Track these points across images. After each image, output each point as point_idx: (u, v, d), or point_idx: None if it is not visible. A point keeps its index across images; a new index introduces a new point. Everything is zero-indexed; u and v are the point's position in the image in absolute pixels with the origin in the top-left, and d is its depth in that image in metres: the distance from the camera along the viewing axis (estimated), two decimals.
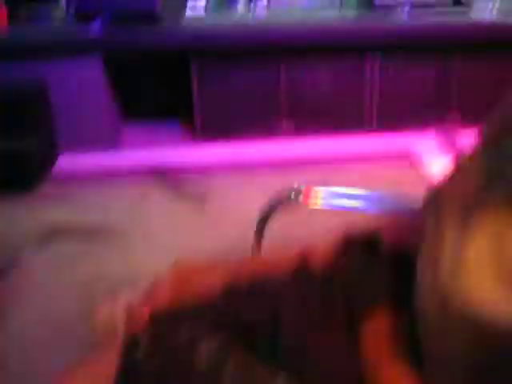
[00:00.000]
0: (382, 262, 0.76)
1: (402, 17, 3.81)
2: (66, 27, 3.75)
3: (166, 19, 3.62)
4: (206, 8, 6.30)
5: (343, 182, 1.22)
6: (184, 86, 3.63)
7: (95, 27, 3.49)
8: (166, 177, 3.12)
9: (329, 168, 3.18)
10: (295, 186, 1.17)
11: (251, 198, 2.69)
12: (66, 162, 3.35)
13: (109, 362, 0.73)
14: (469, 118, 3.73)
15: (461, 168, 0.67)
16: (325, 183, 1.18)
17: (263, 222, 1.22)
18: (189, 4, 5.32)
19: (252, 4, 5.74)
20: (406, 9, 3.90)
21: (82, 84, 3.39)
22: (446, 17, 3.76)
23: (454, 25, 3.66)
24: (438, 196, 0.67)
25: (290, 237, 1.17)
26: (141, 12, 3.56)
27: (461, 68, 3.71)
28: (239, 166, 3.30)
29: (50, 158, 3.33)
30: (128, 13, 3.52)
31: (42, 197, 2.93)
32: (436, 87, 3.74)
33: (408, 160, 3.31)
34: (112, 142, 3.55)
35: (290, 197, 1.18)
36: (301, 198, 1.17)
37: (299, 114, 3.66)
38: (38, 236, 2.47)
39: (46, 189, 3.02)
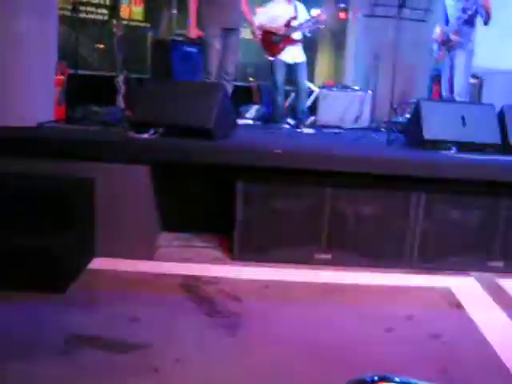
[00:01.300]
0: None
1: (450, 155, 3.83)
2: (120, 131, 3.84)
3: (217, 135, 3.68)
4: (254, 123, 6.54)
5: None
6: (227, 203, 3.62)
7: (148, 136, 3.56)
8: (198, 294, 3.02)
9: (365, 298, 3.11)
10: (367, 378, 1.05)
11: (288, 325, 2.64)
12: (99, 265, 3.30)
13: None
14: None
15: None
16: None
17: None
18: (240, 121, 5.53)
19: (298, 120, 5.96)
20: (454, 148, 3.95)
21: (128, 189, 3.40)
22: (495, 158, 3.77)
23: (503, 167, 3.63)
24: None
25: None
26: (194, 127, 3.63)
27: (507, 211, 3.64)
28: (275, 289, 3.20)
29: (83, 260, 3.28)
30: (182, 126, 3.59)
31: (69, 300, 2.84)
32: (481, 230, 3.66)
33: (446, 301, 3.18)
34: (147, 251, 3.50)
35: None
36: None
37: (339, 245, 3.59)
38: (60, 342, 2.35)
39: (75, 291, 2.94)
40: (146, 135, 3.62)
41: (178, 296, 2.97)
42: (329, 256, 3.59)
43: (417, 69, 8.03)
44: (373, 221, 3.60)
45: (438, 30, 5.84)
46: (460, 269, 3.61)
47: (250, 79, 7.77)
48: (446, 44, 5.71)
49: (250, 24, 5.55)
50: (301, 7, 6.02)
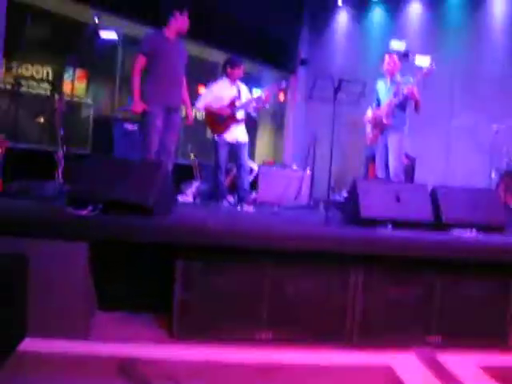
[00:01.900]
0: None
1: (386, 233, 3.92)
2: (58, 207, 3.77)
3: (156, 212, 3.66)
4: (194, 200, 6.56)
5: None
6: (167, 282, 3.56)
7: (87, 212, 3.51)
8: (135, 377, 2.90)
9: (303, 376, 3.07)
10: None
11: None
12: (30, 346, 3.14)
13: None
14: (451, 338, 3.72)
15: None
16: None
17: None
18: (180, 198, 5.54)
19: (238, 198, 6.02)
20: (390, 224, 4.05)
21: (64, 267, 3.30)
22: (429, 235, 3.88)
23: (436, 243, 3.74)
24: None
25: None
26: (134, 204, 3.61)
27: (443, 287, 3.73)
28: (214, 370, 3.12)
29: (15, 339, 3.12)
30: (121, 203, 3.56)
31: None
32: (419, 306, 3.72)
33: (387, 379, 3.18)
34: (83, 331, 3.37)
35: None
36: None
37: (279, 322, 3.57)
38: None
39: (6, 370, 2.78)
40: (84, 211, 3.56)
41: (114, 380, 2.85)
42: (269, 334, 3.55)
43: (353, 149, 8.34)
44: (313, 298, 3.61)
45: (369, 113, 6.10)
46: (400, 345, 3.64)
47: (191, 156, 7.84)
48: (379, 126, 5.96)
49: (186, 106, 5.64)
50: (243, 88, 6.21)
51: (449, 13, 8.85)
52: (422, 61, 5.69)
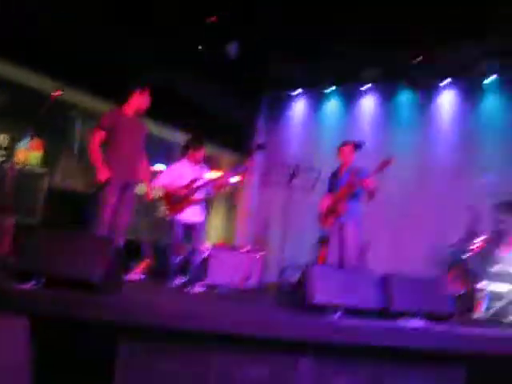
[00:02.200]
0: None
1: (336, 319, 3.90)
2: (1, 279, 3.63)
3: (102, 289, 3.56)
4: (142, 279, 6.42)
5: None
6: (108, 363, 3.40)
7: (30, 286, 3.39)
8: None
9: None
10: None
11: None
12: None
13: None
14: None
15: None
16: None
17: None
18: (128, 277, 5.42)
19: (189, 279, 5.91)
20: (340, 311, 4.03)
21: (2, 342, 3.13)
22: (377, 323, 3.88)
23: (386, 332, 3.73)
24: None
25: None
26: (79, 280, 3.51)
27: (390, 376, 3.70)
28: None
29: None
30: (66, 278, 3.46)
31: None
32: None
33: None
34: None
35: None
36: None
37: None
38: None
39: None
40: (27, 285, 3.44)
41: None
42: None
43: (306, 233, 8.41)
44: None
45: (325, 199, 6.19)
46: None
47: (142, 234, 7.76)
48: (334, 212, 6.04)
49: (147, 183, 5.64)
50: (204, 169, 6.26)
51: (400, 108, 9.27)
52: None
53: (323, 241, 7.38)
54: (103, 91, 7.53)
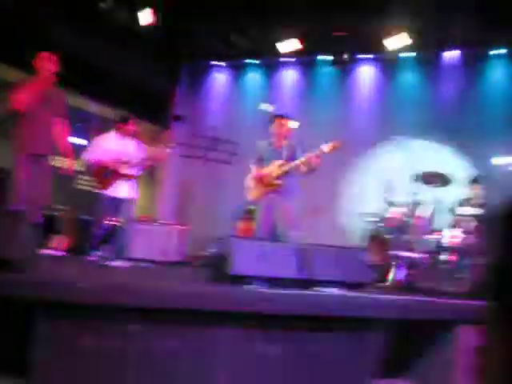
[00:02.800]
0: None
1: (256, 290, 3.95)
2: None
3: (16, 266, 3.45)
4: (62, 254, 6.26)
5: None
6: (23, 342, 3.31)
7: None
8: None
9: None
10: None
11: None
12: None
13: None
14: None
15: None
16: None
17: None
18: (46, 251, 5.28)
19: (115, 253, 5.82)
20: (259, 282, 4.09)
21: None
22: (295, 291, 3.97)
23: (303, 300, 3.83)
24: None
25: None
26: None
27: (308, 342, 3.80)
28: None
29: None
30: None
31: None
32: (284, 362, 3.75)
33: None
34: None
35: None
36: None
37: (146, 382, 3.43)
38: None
39: None
40: None
41: None
42: None
43: (227, 206, 8.44)
44: (181, 357, 3.53)
45: (254, 170, 6.16)
46: None
47: (60, 208, 7.54)
48: (267, 186, 6.03)
49: (67, 155, 5.46)
50: (134, 144, 6.12)
51: (319, 79, 9.39)
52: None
53: (248, 213, 7.45)
54: (13, 59, 7.18)
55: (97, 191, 5.88)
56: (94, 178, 5.94)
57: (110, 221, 6.20)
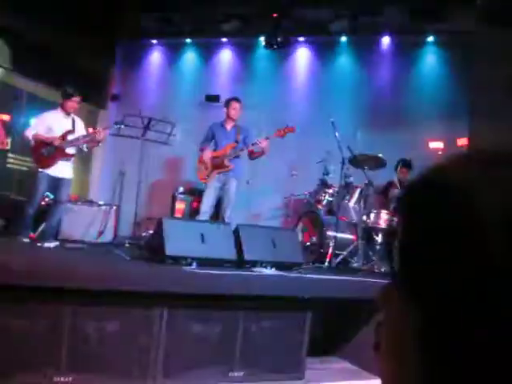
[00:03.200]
0: None
1: (190, 270, 3.96)
2: None
3: None
4: None
5: None
6: None
7: None
8: None
9: None
10: None
11: None
12: None
13: None
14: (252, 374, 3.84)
15: None
16: None
17: None
18: None
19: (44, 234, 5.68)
20: (194, 263, 4.11)
21: None
22: (232, 273, 4.01)
23: (239, 281, 3.88)
24: None
25: None
26: None
27: (243, 323, 3.85)
28: None
29: None
30: None
31: None
32: (221, 343, 3.79)
33: None
34: None
35: None
36: None
37: (81, 366, 3.39)
38: None
39: None
40: None
41: None
42: (69, 379, 3.35)
43: (160, 186, 8.38)
44: (116, 338, 3.51)
45: (208, 151, 6.21)
46: (203, 382, 3.66)
47: None
48: (218, 167, 6.12)
49: None
50: (79, 122, 5.92)
51: (257, 61, 9.40)
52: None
53: (190, 193, 7.49)
54: None
55: (33, 170, 5.70)
56: (33, 157, 5.74)
57: (44, 201, 6.02)
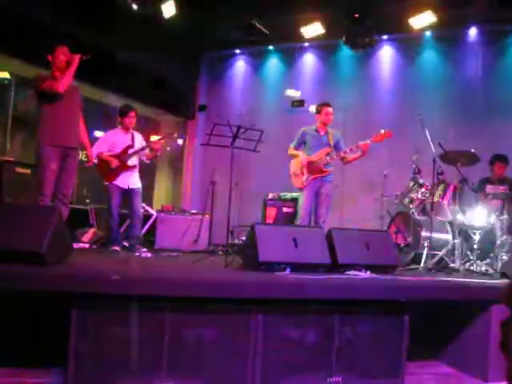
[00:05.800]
0: None
1: (284, 276, 3.97)
2: None
3: (49, 260, 3.50)
4: (90, 247, 6.35)
5: None
6: (60, 334, 3.37)
7: None
8: None
9: None
10: None
11: None
12: None
13: None
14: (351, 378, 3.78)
15: None
16: None
17: None
18: (75, 245, 5.34)
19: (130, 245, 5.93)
20: (288, 268, 4.11)
21: None
22: (325, 276, 3.98)
23: (334, 286, 3.83)
24: None
25: None
26: (25, 251, 3.43)
27: (340, 328, 3.80)
28: None
29: None
30: (12, 251, 3.38)
31: None
32: (318, 348, 3.76)
33: None
34: None
35: None
36: None
37: (181, 372, 3.46)
38: None
39: None
40: None
41: None
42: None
43: (251, 194, 8.46)
44: (214, 345, 3.56)
45: (304, 157, 6.19)
46: None
47: (87, 202, 7.64)
48: (315, 173, 6.13)
49: (85, 148, 5.58)
50: (137, 136, 6.23)
51: (341, 62, 9.33)
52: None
53: (283, 200, 7.54)
54: (34, 56, 7.21)
55: (106, 183, 6.00)
56: (99, 172, 6.06)
57: (120, 211, 6.27)
